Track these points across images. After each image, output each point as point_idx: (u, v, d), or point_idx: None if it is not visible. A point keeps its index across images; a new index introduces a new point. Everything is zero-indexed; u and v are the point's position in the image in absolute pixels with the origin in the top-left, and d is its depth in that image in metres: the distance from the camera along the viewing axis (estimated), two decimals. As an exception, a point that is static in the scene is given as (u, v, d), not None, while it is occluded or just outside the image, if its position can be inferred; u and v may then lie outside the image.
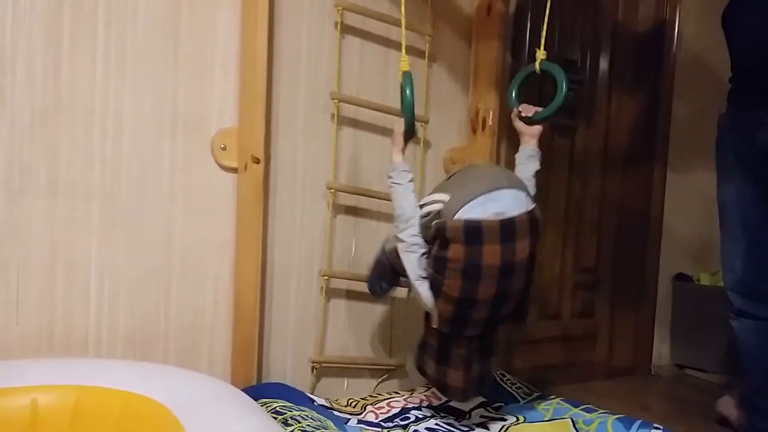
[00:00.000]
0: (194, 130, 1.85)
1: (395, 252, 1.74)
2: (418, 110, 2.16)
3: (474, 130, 2.28)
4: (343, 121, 2.07)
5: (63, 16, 1.68)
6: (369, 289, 1.98)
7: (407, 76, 1.74)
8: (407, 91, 1.73)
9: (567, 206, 2.87)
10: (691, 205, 2.92)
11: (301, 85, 2.01)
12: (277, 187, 1.98)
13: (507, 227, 1.56)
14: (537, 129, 1.90)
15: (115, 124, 1.75)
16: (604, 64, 2.91)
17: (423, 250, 1.67)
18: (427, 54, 2.19)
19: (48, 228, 1.69)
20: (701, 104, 2.77)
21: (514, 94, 1.95)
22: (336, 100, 2.03)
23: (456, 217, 1.56)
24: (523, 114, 1.89)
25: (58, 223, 1.70)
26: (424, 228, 1.66)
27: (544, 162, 2.77)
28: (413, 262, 1.66)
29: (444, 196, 1.62)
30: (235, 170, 1.88)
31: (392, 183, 1.73)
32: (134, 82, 1.77)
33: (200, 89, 1.85)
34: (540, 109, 1.88)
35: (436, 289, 1.61)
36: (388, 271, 1.90)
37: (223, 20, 1.87)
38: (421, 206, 1.69)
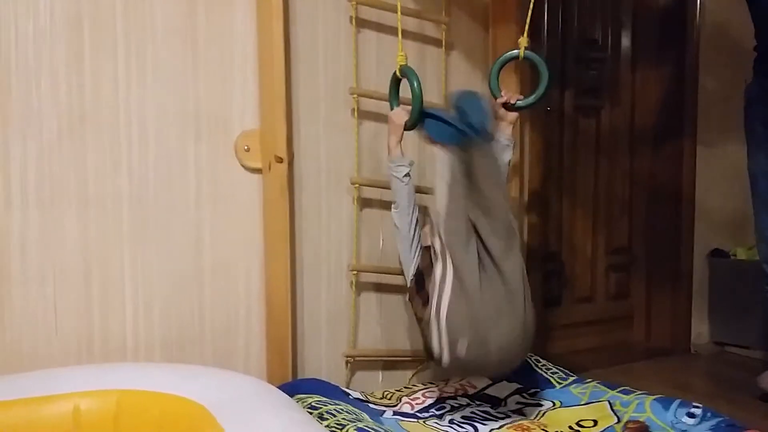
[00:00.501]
0: (217, 134, 1.87)
1: None
2: (438, 99, 2.17)
3: (496, 117, 2.26)
4: (363, 115, 2.08)
5: (83, 28, 1.71)
6: None
7: (409, 70, 1.80)
8: (414, 83, 1.76)
9: (596, 187, 2.84)
10: (723, 179, 2.87)
11: (320, 82, 2.02)
12: (302, 185, 2.00)
13: None
14: (514, 116, 1.94)
15: (139, 132, 1.78)
16: (626, 41, 2.87)
17: (415, 243, 1.87)
18: (444, 43, 2.18)
19: (81, 237, 1.72)
20: (728, 75, 2.71)
21: (494, 80, 1.97)
22: (355, 95, 2.03)
23: None
24: (506, 100, 1.92)
25: (90, 231, 1.73)
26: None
27: (570, 144, 2.77)
28: (407, 254, 1.88)
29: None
30: (259, 171, 1.90)
31: (391, 175, 1.87)
32: (156, 89, 1.79)
33: (221, 93, 1.88)
34: (521, 96, 1.93)
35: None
36: None
37: (239, 22, 1.89)
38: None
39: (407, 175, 1.85)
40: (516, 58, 1.94)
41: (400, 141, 1.86)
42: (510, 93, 1.93)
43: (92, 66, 1.72)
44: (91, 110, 1.72)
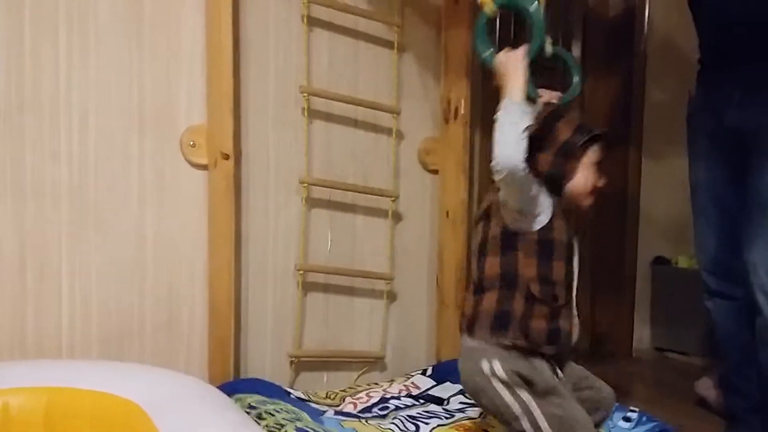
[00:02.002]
0: (162, 128, 1.83)
1: None
2: (389, 101, 2.18)
3: (447, 120, 2.27)
4: (314, 114, 2.06)
5: (24, 13, 1.66)
6: None
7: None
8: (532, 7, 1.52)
9: (544, 194, 2.88)
10: (667, 188, 2.93)
11: (270, 80, 2.00)
12: (249, 183, 1.97)
13: None
14: None
15: (80, 123, 1.73)
16: (576, 50, 2.91)
17: None
18: (396, 44, 2.18)
19: (16, 229, 1.67)
20: (674, 87, 2.77)
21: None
22: (306, 94, 2.02)
23: None
24: (548, 100, 1.62)
25: (27, 223, 1.68)
26: None
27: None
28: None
29: None
30: (205, 167, 1.87)
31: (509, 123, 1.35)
32: (99, 78, 1.75)
33: (166, 85, 1.84)
34: (561, 95, 1.68)
35: None
36: None
37: (188, 14, 1.85)
38: None
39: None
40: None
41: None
42: (550, 93, 1.65)
43: (32, 53, 1.67)
44: (30, 97, 1.67)
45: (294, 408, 1.66)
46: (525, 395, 1.35)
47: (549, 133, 1.43)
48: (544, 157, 1.41)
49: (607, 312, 3.00)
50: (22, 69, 1.66)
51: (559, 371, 1.44)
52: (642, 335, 3.04)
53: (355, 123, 2.13)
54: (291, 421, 1.52)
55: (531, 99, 1.57)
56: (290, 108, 2.03)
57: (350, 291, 2.18)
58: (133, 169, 1.80)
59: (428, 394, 1.99)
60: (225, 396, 1.51)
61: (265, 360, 2.03)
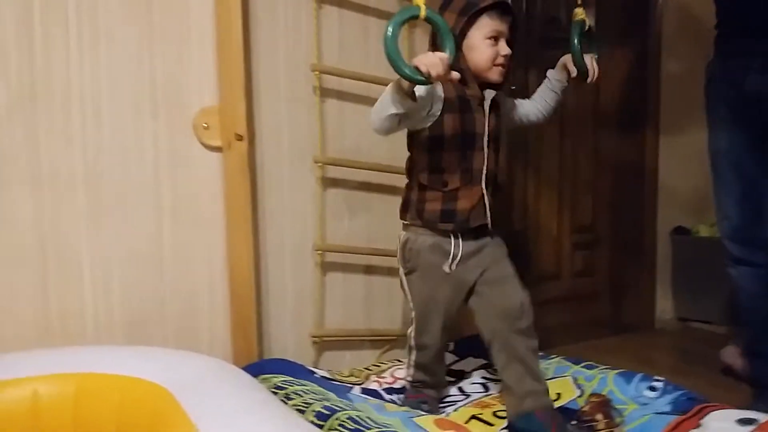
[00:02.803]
0: (175, 110, 1.83)
1: None
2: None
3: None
4: (326, 92, 2.05)
5: (33, 1, 1.65)
6: None
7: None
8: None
9: (561, 166, 2.85)
10: (685, 157, 2.89)
11: (280, 59, 1.98)
12: (264, 163, 1.96)
13: None
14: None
15: (93, 108, 1.73)
16: (590, 21, 2.86)
17: None
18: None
19: (35, 217, 1.68)
20: (691, 55, 2.72)
21: (579, 59, 1.83)
22: (317, 72, 2.00)
23: None
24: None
25: (45, 211, 1.69)
26: None
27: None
28: None
29: None
30: (219, 149, 1.86)
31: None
32: (110, 63, 1.74)
33: (178, 68, 1.83)
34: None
35: None
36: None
37: (197, -5, 1.84)
38: None
39: None
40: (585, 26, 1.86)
41: None
42: (596, 69, 1.84)
43: (43, 40, 1.67)
44: (42, 85, 1.67)
45: (320, 388, 1.66)
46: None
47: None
48: (448, 15, 1.61)
49: (628, 284, 2.98)
50: (33, 57, 1.66)
51: (458, 252, 1.65)
52: (665, 306, 3.02)
53: (368, 100, 2.11)
54: (318, 401, 1.52)
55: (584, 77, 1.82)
56: (302, 87, 2.02)
57: (369, 269, 2.18)
58: (147, 153, 1.80)
59: (450, 369, 1.99)
60: (251, 377, 1.51)
61: (288, 340, 2.04)
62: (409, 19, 1.49)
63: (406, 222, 1.71)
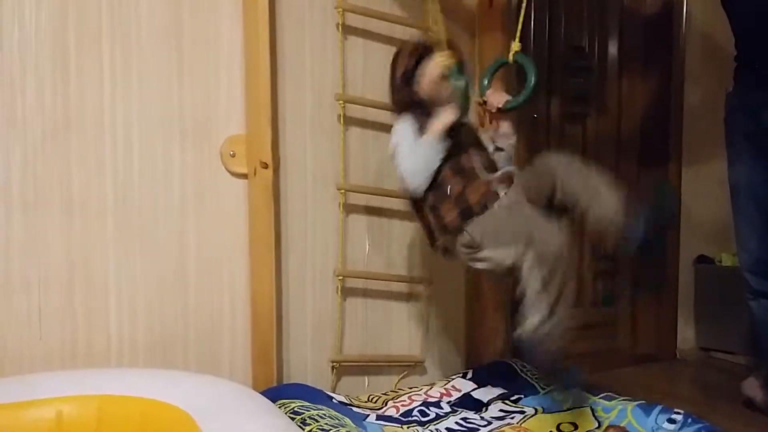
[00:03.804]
0: (203, 139, 1.88)
1: None
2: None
3: (482, 124, 2.27)
4: (350, 121, 2.09)
5: (68, 33, 1.72)
6: None
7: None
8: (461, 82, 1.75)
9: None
10: (708, 186, 2.88)
11: (306, 88, 2.03)
12: (287, 190, 2.00)
13: None
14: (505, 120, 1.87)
15: (124, 136, 1.78)
16: (612, 49, 2.89)
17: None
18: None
19: (65, 241, 1.72)
20: (714, 84, 2.73)
21: (486, 83, 1.92)
22: (341, 101, 2.04)
23: None
24: (490, 100, 1.86)
25: (75, 236, 1.73)
26: None
27: (556, 150, 2.78)
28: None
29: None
30: (245, 176, 1.91)
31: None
32: (141, 93, 1.80)
33: (206, 98, 1.88)
34: (510, 98, 1.85)
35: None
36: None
37: (226, 27, 1.89)
38: None
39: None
40: (506, 63, 1.91)
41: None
42: (496, 94, 1.86)
43: (77, 71, 1.73)
44: (75, 114, 1.73)
45: (337, 413, 1.68)
46: None
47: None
48: None
49: (650, 313, 2.96)
50: (68, 88, 1.72)
51: None
52: (686, 335, 2.99)
53: (391, 129, 2.14)
54: (334, 427, 1.54)
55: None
56: (327, 115, 2.06)
57: (388, 295, 2.20)
58: (175, 181, 1.85)
59: (469, 395, 2.00)
60: (269, 402, 1.54)
61: (307, 365, 2.06)
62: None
63: None
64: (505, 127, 1.88)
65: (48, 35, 1.70)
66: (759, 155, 1.85)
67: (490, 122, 1.91)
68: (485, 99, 1.89)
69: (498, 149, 1.86)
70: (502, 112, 1.87)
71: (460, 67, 1.76)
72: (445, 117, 1.70)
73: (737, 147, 1.91)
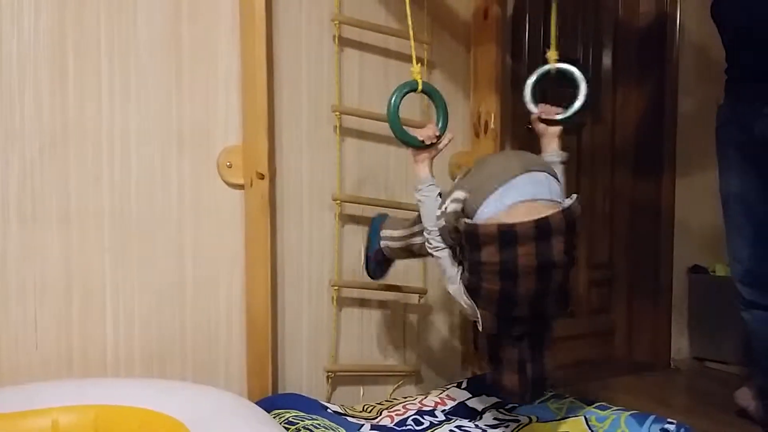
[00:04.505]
0: (200, 150, 1.89)
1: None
2: (420, 117, 2.20)
3: (477, 134, 2.30)
4: (346, 132, 2.11)
5: (66, 46, 1.73)
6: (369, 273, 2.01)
7: (431, 87, 1.76)
8: (439, 100, 1.75)
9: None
10: (702, 196, 2.90)
11: (303, 100, 2.05)
12: (284, 201, 2.02)
13: (542, 227, 1.44)
14: (557, 129, 1.79)
15: (122, 148, 1.80)
16: (607, 60, 2.91)
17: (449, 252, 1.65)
18: (425, 61, 2.21)
19: (62, 252, 1.74)
20: (707, 96, 2.75)
21: (529, 97, 1.84)
22: (337, 113, 2.06)
23: (478, 214, 1.51)
24: (544, 116, 1.79)
25: (72, 246, 1.75)
26: (450, 228, 1.60)
27: (551, 161, 2.80)
28: (448, 264, 1.63)
29: (461, 194, 1.56)
30: (241, 187, 1.92)
31: (422, 197, 1.69)
32: (139, 105, 1.82)
33: (203, 109, 1.90)
34: (561, 110, 1.80)
35: (474, 291, 1.54)
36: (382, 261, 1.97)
37: (223, 40, 1.91)
38: (443, 207, 1.63)
39: (439, 194, 1.68)
40: (548, 73, 1.84)
41: (424, 161, 1.71)
42: (548, 107, 1.80)
43: (75, 83, 1.75)
44: (74, 126, 1.74)
45: (332, 423, 1.69)
46: None
47: None
48: None
49: (644, 322, 2.98)
50: (66, 100, 1.74)
51: None
52: (680, 345, 3.00)
53: (387, 139, 2.16)
54: (328, 436, 1.56)
55: (531, 111, 1.82)
56: (323, 127, 2.08)
57: (384, 305, 2.21)
58: (172, 191, 1.86)
59: (463, 404, 2.01)
60: (264, 412, 1.55)
61: (302, 375, 2.07)
62: (408, 92, 1.70)
63: None
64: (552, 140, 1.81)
65: (46, 48, 1.71)
66: (750, 167, 1.86)
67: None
68: (542, 111, 1.80)
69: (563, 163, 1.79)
70: (551, 125, 1.80)
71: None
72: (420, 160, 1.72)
73: (729, 158, 1.93)
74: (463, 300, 1.57)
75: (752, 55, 1.82)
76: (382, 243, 1.93)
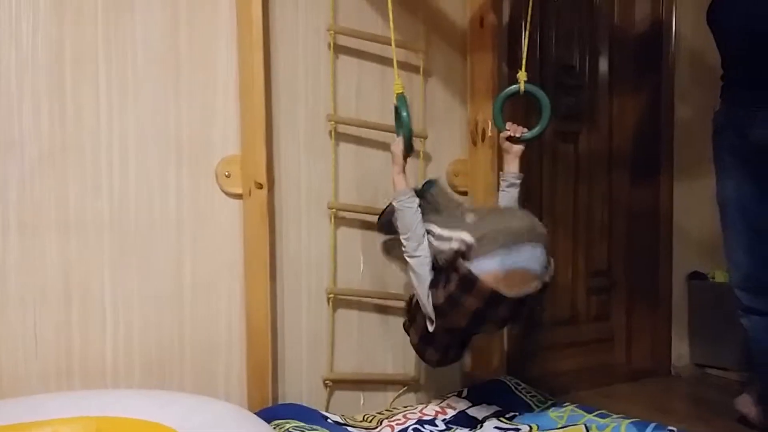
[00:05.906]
0: (198, 160, 1.90)
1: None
2: (416, 126, 2.20)
3: (474, 142, 2.30)
4: (344, 139, 2.11)
5: (65, 55, 1.74)
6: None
7: (402, 98, 1.82)
8: (404, 113, 1.81)
9: (575, 211, 2.87)
10: (700, 202, 2.90)
11: (300, 109, 2.05)
12: (282, 210, 2.02)
13: (522, 297, 1.69)
14: (520, 149, 1.95)
15: (120, 157, 1.80)
16: (603, 67, 2.92)
17: (430, 266, 1.79)
18: (422, 70, 2.22)
19: (61, 262, 1.74)
20: (703, 102, 2.76)
21: (498, 115, 1.98)
22: (333, 122, 2.06)
23: (479, 263, 1.66)
24: (510, 134, 1.93)
25: (71, 255, 1.75)
26: (446, 256, 1.74)
27: (549, 168, 2.81)
28: (425, 276, 1.77)
29: (470, 239, 1.69)
30: (239, 196, 1.92)
31: (401, 206, 1.81)
32: (137, 115, 1.82)
33: (202, 119, 1.90)
34: (526, 130, 1.93)
35: (440, 312, 1.76)
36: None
37: (222, 50, 1.92)
38: (442, 236, 1.76)
39: (419, 205, 1.81)
40: (517, 92, 1.95)
41: (404, 171, 1.85)
42: (515, 126, 1.93)
43: (74, 93, 1.75)
44: (72, 136, 1.75)
45: (331, 433, 1.69)
46: None
47: None
48: None
49: (644, 329, 2.97)
50: (65, 110, 1.74)
51: None
52: (680, 352, 2.99)
53: (384, 146, 2.16)
54: (328, 446, 1.55)
55: (499, 130, 1.98)
56: (320, 135, 2.08)
57: (383, 313, 2.21)
58: (171, 201, 1.86)
59: (463, 413, 2.00)
60: (263, 423, 1.54)
61: (302, 384, 2.06)
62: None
63: None
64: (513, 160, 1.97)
65: (45, 58, 1.72)
66: (746, 172, 1.87)
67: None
68: (507, 130, 1.94)
69: (511, 185, 1.96)
70: (516, 143, 1.94)
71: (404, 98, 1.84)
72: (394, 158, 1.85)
73: (725, 164, 1.93)
74: (426, 303, 1.77)
75: (747, 60, 1.83)
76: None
